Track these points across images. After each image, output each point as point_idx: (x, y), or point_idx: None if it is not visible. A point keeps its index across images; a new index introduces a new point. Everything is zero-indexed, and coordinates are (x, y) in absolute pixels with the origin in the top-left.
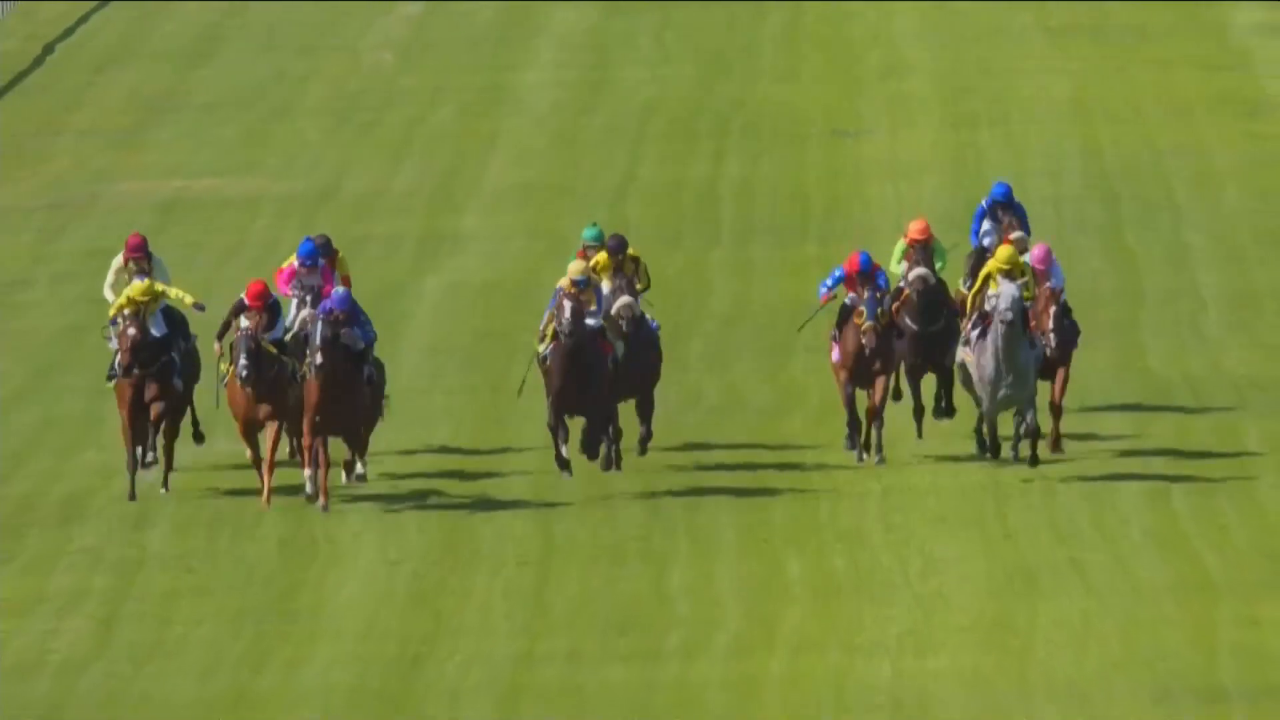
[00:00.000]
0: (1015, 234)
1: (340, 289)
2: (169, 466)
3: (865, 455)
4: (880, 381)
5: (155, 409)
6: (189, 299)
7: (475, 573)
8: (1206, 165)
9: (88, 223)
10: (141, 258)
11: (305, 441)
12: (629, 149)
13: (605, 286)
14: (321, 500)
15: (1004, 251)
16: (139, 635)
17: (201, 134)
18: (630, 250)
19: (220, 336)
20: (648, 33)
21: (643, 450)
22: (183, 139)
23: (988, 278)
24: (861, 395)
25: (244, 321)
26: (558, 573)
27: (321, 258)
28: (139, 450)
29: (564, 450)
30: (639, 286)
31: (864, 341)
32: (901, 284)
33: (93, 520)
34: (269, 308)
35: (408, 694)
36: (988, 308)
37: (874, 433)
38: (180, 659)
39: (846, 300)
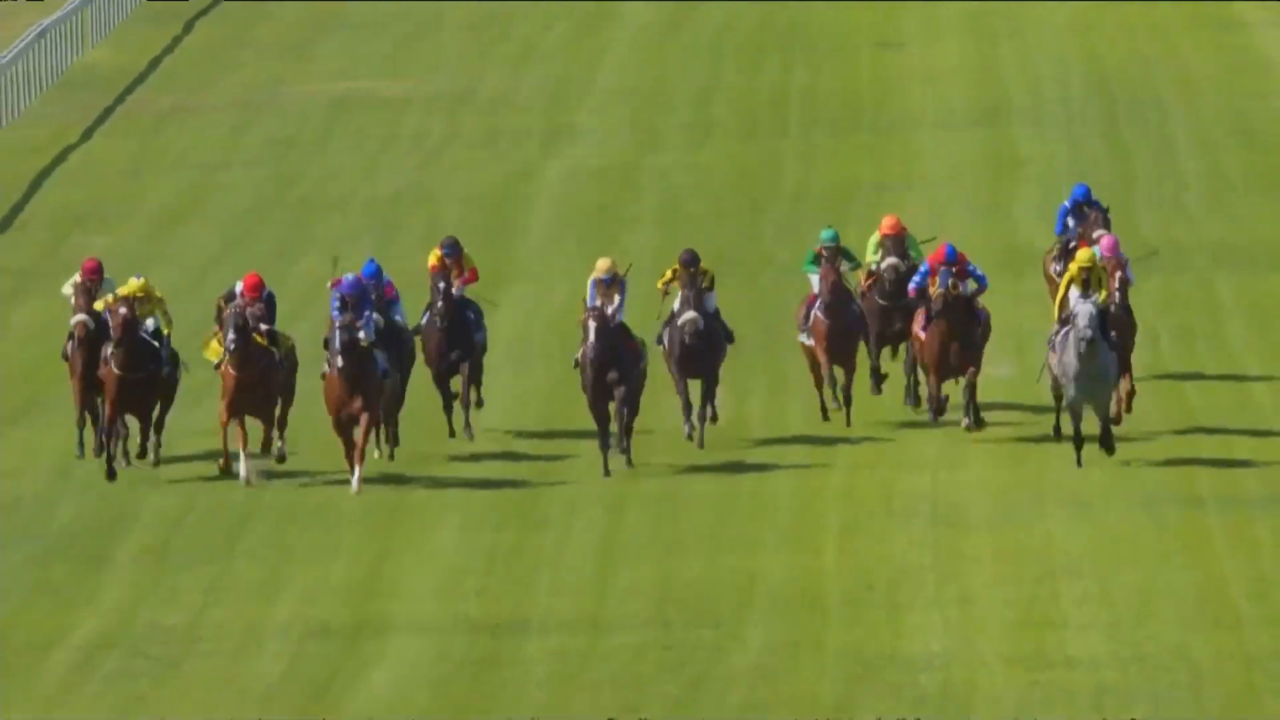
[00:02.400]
0: (1106, 239)
1: (349, 275)
2: (158, 443)
3: (936, 415)
4: (970, 371)
5: (150, 400)
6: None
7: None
8: (1186, 72)
9: (269, 118)
10: (96, 280)
11: (341, 440)
12: (711, 60)
13: (678, 298)
14: (355, 486)
15: (1084, 253)
16: (314, 465)
17: (361, 46)
18: (701, 265)
19: (217, 320)
20: None
21: (713, 419)
22: (346, 50)
23: (1069, 283)
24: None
25: (237, 307)
26: (658, 407)
27: (450, 256)
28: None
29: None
30: (703, 284)
31: (933, 307)
32: (873, 269)
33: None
34: (264, 299)
35: (534, 503)
36: (1068, 315)
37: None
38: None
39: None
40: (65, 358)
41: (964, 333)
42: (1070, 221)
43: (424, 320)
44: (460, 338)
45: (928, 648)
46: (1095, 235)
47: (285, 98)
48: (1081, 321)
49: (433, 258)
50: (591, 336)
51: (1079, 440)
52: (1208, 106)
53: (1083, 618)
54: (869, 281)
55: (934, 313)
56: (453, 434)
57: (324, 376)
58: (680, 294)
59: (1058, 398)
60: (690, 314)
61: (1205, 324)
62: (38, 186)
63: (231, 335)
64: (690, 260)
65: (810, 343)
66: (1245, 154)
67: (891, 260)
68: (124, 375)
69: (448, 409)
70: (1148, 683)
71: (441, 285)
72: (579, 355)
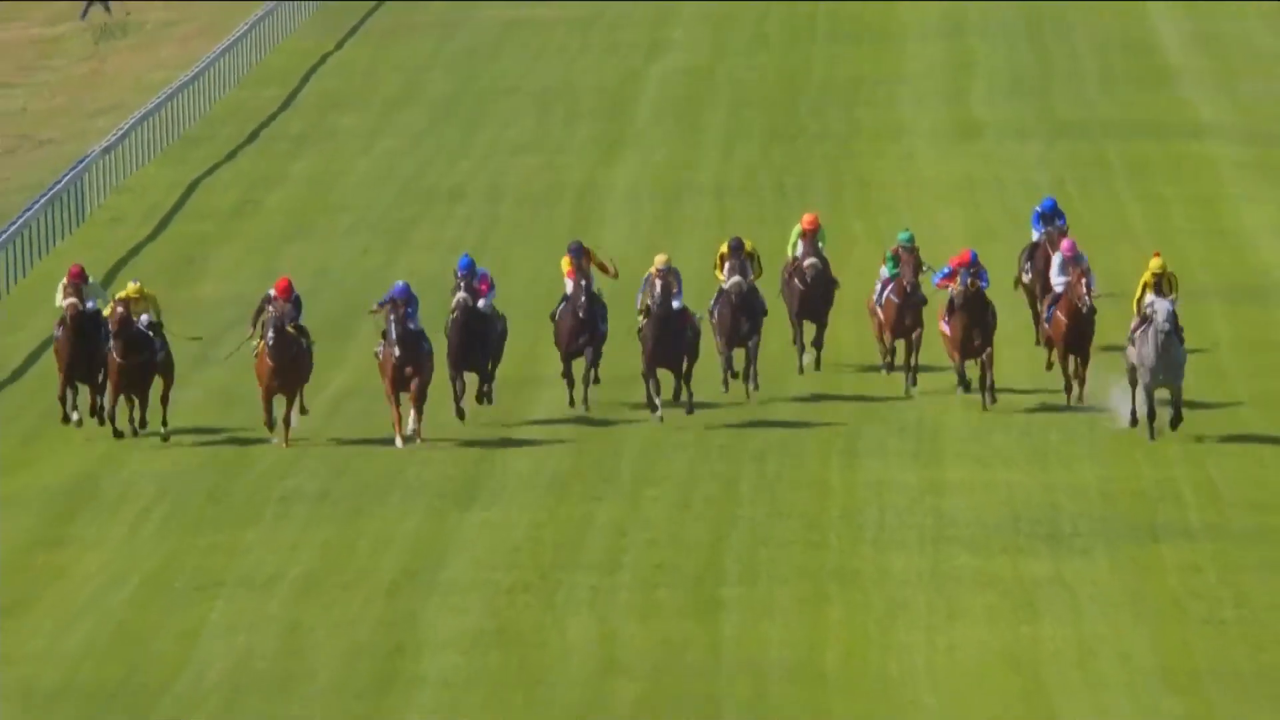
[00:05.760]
0: (1065, 241)
1: (400, 282)
2: (164, 416)
3: (973, 391)
4: (987, 352)
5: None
6: (158, 317)
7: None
8: None
9: (461, 35)
10: (79, 283)
11: (390, 399)
12: None
13: (725, 272)
14: (413, 427)
15: (1155, 262)
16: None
17: None
18: (747, 246)
19: (254, 321)
20: None
21: (755, 388)
22: None
23: (1144, 286)
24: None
25: (272, 309)
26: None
27: (580, 255)
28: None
29: (656, 398)
30: (754, 275)
31: (955, 301)
32: (795, 258)
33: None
34: (293, 300)
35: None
36: (1147, 313)
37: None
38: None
39: (950, 291)
40: (55, 339)
41: (980, 321)
42: (1036, 231)
43: (560, 308)
44: (590, 326)
45: (908, 395)
46: (1064, 244)
47: (473, 20)
48: (1160, 317)
49: (566, 264)
50: (658, 290)
51: (1152, 415)
52: (1104, 23)
53: (1016, 376)
54: (791, 268)
55: (957, 306)
56: (573, 403)
57: (377, 355)
58: (727, 271)
59: (1133, 384)
60: (735, 278)
61: (1098, 176)
62: (306, 80)
63: (271, 336)
64: (737, 246)
65: (880, 316)
66: (1128, 57)
67: (812, 260)
68: (124, 362)
69: (569, 380)
70: (1059, 415)
71: (583, 283)
72: (641, 325)
